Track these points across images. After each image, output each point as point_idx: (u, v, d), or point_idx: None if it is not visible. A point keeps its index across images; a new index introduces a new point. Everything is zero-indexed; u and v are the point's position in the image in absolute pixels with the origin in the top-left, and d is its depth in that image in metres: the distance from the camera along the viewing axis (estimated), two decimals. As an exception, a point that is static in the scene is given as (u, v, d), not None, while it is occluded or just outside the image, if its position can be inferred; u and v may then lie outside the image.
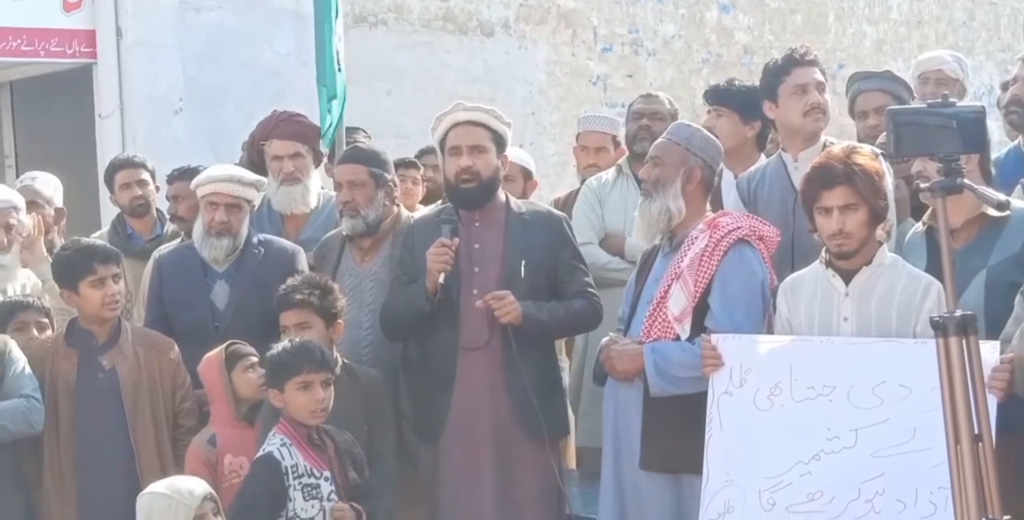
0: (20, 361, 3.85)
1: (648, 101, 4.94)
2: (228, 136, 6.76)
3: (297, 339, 3.59)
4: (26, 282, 4.42)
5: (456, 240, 3.82)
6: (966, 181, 2.32)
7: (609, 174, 4.81)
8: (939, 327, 2.24)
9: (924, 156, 2.69)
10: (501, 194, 4.01)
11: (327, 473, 3.50)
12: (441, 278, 3.78)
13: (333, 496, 3.48)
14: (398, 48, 7.83)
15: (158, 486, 3.37)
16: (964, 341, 2.22)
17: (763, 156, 4.33)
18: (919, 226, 3.63)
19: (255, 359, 3.81)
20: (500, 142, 3.94)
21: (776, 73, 3.97)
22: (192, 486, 3.32)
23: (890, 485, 3.18)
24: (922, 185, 2.39)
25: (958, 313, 2.25)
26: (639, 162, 4.49)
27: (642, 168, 3.75)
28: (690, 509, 3.49)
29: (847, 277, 3.37)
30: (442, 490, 3.91)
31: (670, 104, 4.93)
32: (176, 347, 4.08)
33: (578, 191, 5.10)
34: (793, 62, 3.94)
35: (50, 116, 8.29)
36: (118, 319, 4.05)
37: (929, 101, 2.41)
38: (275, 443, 3.47)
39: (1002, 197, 2.44)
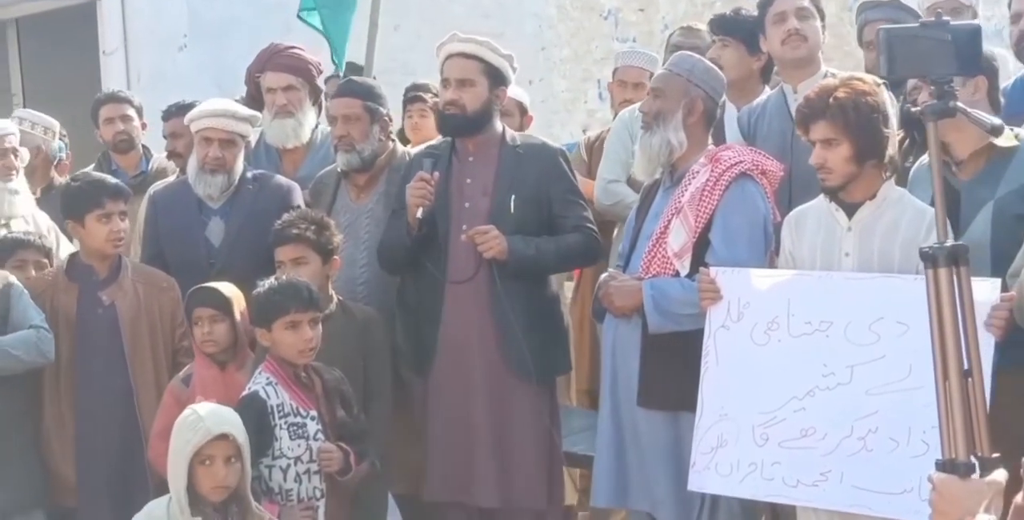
0: (23, 294, 3.84)
1: (687, 35, 4.77)
2: (233, 72, 6.64)
3: (284, 277, 3.54)
4: (39, 221, 4.39)
5: (436, 174, 3.76)
6: (959, 104, 2.23)
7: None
8: (928, 258, 2.16)
9: (916, 78, 2.58)
10: (497, 127, 3.94)
11: (313, 412, 3.47)
12: (419, 212, 3.73)
13: (320, 435, 3.46)
14: (405, -18, 7.68)
15: (205, 406, 3.29)
16: (955, 273, 2.15)
17: (768, 90, 4.22)
18: (925, 158, 3.54)
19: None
20: (495, 75, 3.87)
21: (763, 3, 3.90)
22: (217, 421, 3.19)
23: (883, 423, 3.13)
24: (912, 108, 2.30)
25: (948, 243, 2.18)
26: None
27: (643, 100, 3.67)
28: (688, 447, 3.43)
29: (851, 211, 3.29)
30: (433, 424, 3.90)
31: (708, 35, 4.80)
32: (176, 285, 4.05)
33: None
34: None
35: (55, 53, 8.24)
36: (118, 255, 4.04)
37: (922, 20, 2.31)
38: (260, 382, 3.44)
39: (996, 121, 2.34)
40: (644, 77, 4.93)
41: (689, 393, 3.38)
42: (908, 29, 2.28)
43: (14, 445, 3.84)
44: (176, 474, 3.14)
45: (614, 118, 4.97)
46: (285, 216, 3.84)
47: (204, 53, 7.29)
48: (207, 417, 3.17)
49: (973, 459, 2.11)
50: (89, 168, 5.14)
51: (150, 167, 5.05)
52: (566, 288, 4.94)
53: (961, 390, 2.12)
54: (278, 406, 3.41)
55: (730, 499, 3.47)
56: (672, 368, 3.47)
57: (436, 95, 5.15)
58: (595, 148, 4.79)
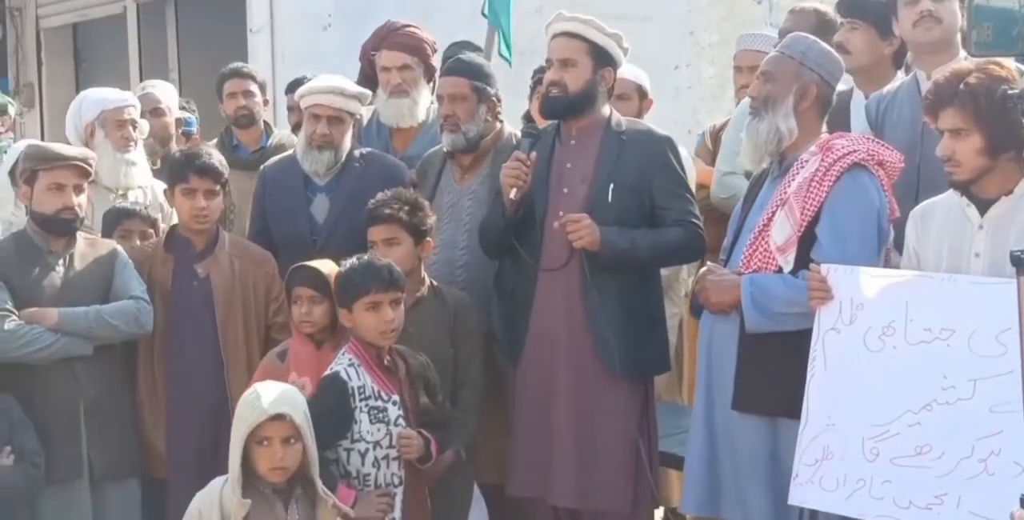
0: (128, 264, 3.89)
1: (795, 18, 4.51)
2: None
3: (366, 257, 3.45)
4: (157, 191, 4.43)
5: (533, 155, 3.63)
6: None
7: None
8: (1020, 263, 1.89)
9: (1009, 56, 2.27)
10: (604, 111, 3.77)
11: (396, 397, 3.38)
12: (513, 194, 3.61)
13: (401, 421, 3.37)
14: (549, -36, 7.53)
15: (267, 385, 3.25)
16: None
17: (901, 76, 3.90)
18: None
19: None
20: (600, 55, 3.70)
21: None
22: (274, 401, 3.12)
23: (1008, 445, 2.84)
24: (1010, 92, 2.00)
25: None
26: None
27: (752, 84, 3.42)
28: (787, 456, 3.21)
29: (983, 207, 2.99)
30: (518, 416, 3.78)
31: (816, 15, 4.50)
32: (273, 260, 4.04)
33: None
34: None
35: (208, 31, 8.44)
36: (217, 228, 4.04)
37: None
38: (343, 363, 3.37)
39: None
40: (761, 60, 4.63)
41: (789, 398, 3.16)
42: (1001, 7, 1.99)
43: (112, 414, 3.87)
44: (233, 452, 3.11)
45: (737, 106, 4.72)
46: (379, 195, 3.77)
47: (347, 33, 7.29)
48: (264, 396, 3.11)
49: None
50: (212, 143, 5.17)
51: (269, 143, 5.05)
52: (688, 283, 4.72)
53: None
54: (359, 388, 3.34)
55: (830, 516, 3.21)
56: (771, 371, 3.24)
57: None
58: (720, 137, 4.56)
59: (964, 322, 2.94)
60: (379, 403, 3.34)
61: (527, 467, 3.72)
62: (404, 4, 7.23)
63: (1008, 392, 2.84)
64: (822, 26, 4.42)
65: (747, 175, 4.09)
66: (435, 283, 3.80)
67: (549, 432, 3.68)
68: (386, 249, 3.64)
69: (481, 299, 3.89)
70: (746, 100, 4.34)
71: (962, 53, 3.54)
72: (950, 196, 3.08)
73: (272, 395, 3.13)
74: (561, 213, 3.63)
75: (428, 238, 3.74)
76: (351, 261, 3.43)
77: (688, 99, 7.69)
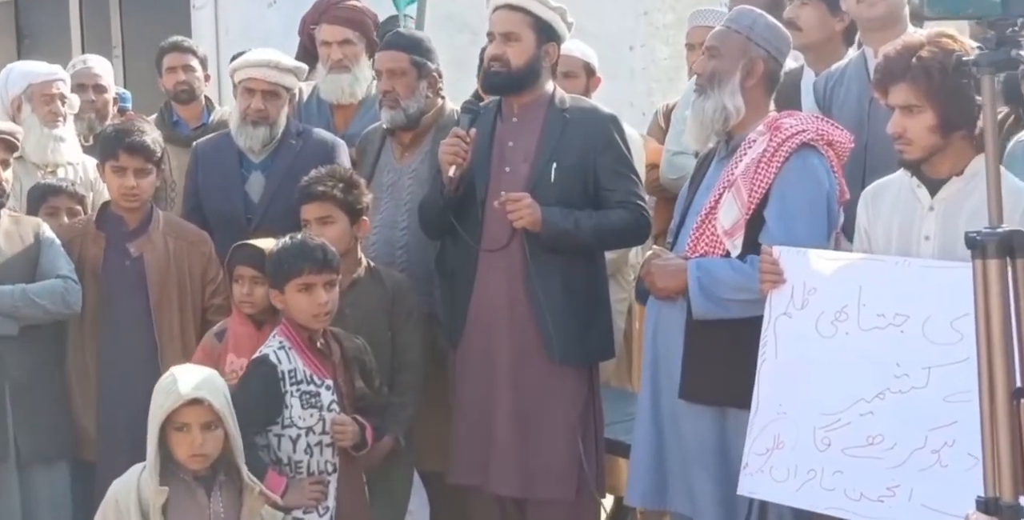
0: (55, 243, 3.77)
1: None
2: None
3: (299, 236, 3.32)
4: (88, 168, 4.28)
5: (472, 131, 3.50)
6: (1023, 53, 1.82)
7: None
8: (976, 245, 1.78)
9: (965, 19, 2.15)
10: (547, 88, 3.64)
11: (329, 381, 3.26)
12: (452, 171, 3.48)
13: (335, 406, 3.26)
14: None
15: (185, 369, 3.15)
16: (1010, 265, 1.75)
17: (852, 53, 3.80)
18: (1023, 134, 3.10)
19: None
20: (544, 29, 3.58)
21: None
22: (190, 385, 3.02)
23: (962, 436, 2.72)
24: (964, 58, 1.88)
25: (1003, 228, 1.78)
26: None
27: (696, 60, 3.30)
28: (735, 446, 3.11)
29: (934, 188, 2.88)
30: (459, 402, 3.67)
31: None
32: (210, 241, 3.91)
33: None
34: None
35: (151, 6, 8.23)
36: (151, 206, 3.91)
37: None
38: (273, 345, 3.25)
39: None
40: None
41: (737, 388, 3.05)
42: None
43: (40, 395, 3.76)
44: (150, 439, 2.99)
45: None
46: (312, 173, 3.64)
47: (293, 10, 7.08)
48: (181, 381, 2.99)
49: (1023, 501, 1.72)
50: (151, 118, 5.01)
51: (211, 119, 4.89)
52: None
53: (1010, 413, 1.73)
54: (290, 372, 3.22)
55: (781, 506, 3.12)
56: (719, 359, 3.13)
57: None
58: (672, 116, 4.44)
59: (918, 308, 2.83)
60: (311, 388, 3.23)
61: (468, 454, 3.62)
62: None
63: (963, 381, 2.73)
64: (773, 2, 4.32)
65: (697, 154, 4.03)
66: (372, 264, 3.68)
67: (490, 418, 3.58)
68: (320, 228, 3.52)
69: (422, 280, 3.78)
70: (693, 78, 4.27)
71: (911, 27, 3.44)
72: (901, 176, 2.98)
73: (189, 379, 3.01)
74: (503, 192, 3.50)
75: (364, 217, 3.62)
76: (284, 240, 3.31)
77: (643, 80, 7.58)
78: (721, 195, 3.15)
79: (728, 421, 3.16)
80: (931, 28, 3.06)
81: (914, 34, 3.01)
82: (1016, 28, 1.84)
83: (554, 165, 3.53)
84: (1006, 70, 1.86)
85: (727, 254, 3.14)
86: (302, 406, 3.20)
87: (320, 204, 3.54)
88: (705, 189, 3.25)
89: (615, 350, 3.86)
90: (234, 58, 4.73)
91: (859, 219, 3.05)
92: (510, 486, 3.56)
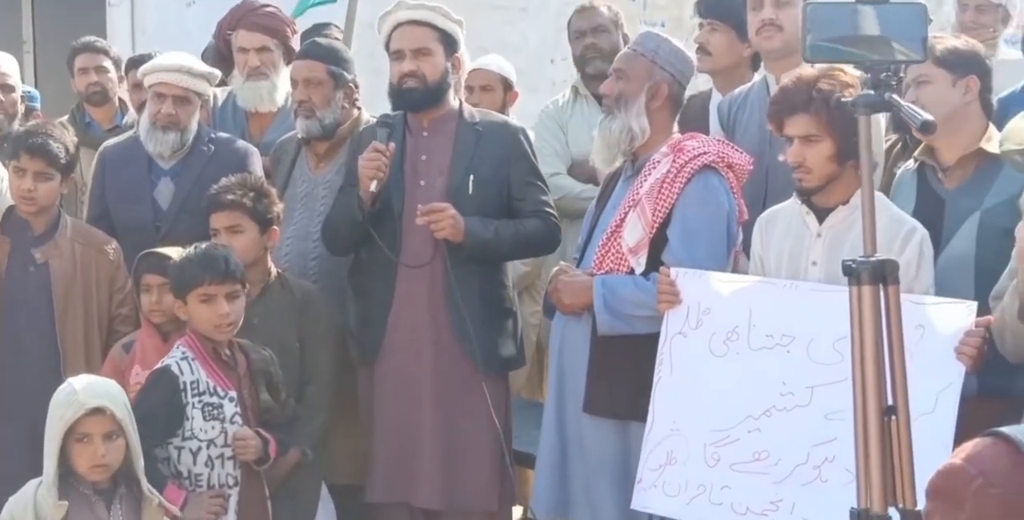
0: None
1: (584, 16, 4.50)
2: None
3: (203, 245, 3.31)
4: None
5: (391, 145, 3.52)
6: (894, 97, 1.94)
7: (564, 97, 4.45)
8: (852, 273, 1.89)
9: (845, 63, 2.28)
10: (454, 102, 3.69)
11: (232, 393, 3.24)
12: (374, 186, 3.49)
13: (238, 418, 3.23)
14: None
15: (82, 378, 3.09)
16: (883, 292, 1.86)
17: (756, 77, 3.92)
18: (910, 163, 3.24)
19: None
20: (449, 42, 3.62)
21: None
22: (91, 394, 2.97)
23: (841, 452, 2.82)
24: (842, 100, 2.00)
25: (875, 257, 1.89)
26: (594, 83, 4.17)
27: (604, 81, 3.39)
28: (636, 459, 3.18)
29: (822, 216, 3.01)
30: (378, 417, 3.67)
31: (609, 10, 4.51)
32: (119, 249, 3.84)
33: None
34: None
35: (62, 3, 8.09)
36: (58, 211, 3.82)
37: None
38: (176, 356, 3.22)
39: (928, 116, 2.04)
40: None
41: (640, 402, 3.13)
42: (838, 6, 1.98)
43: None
44: (49, 452, 2.93)
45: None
46: (222, 181, 3.62)
47: (212, 9, 7.03)
48: (81, 390, 2.94)
49: (892, 511, 1.82)
50: (62, 119, 4.94)
51: (124, 121, 4.84)
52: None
53: (880, 430, 1.84)
54: (192, 383, 3.19)
55: (678, 519, 3.20)
56: (622, 374, 3.21)
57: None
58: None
59: (804, 329, 2.95)
60: (214, 399, 3.21)
61: (390, 472, 3.62)
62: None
63: (843, 400, 2.79)
64: (615, 22, 4.44)
65: (570, 171, 4.18)
66: (282, 273, 3.67)
67: (414, 433, 3.59)
68: (229, 237, 3.50)
69: (334, 293, 3.77)
70: (548, 103, 4.43)
71: (809, 56, 3.56)
72: (792, 203, 3.10)
73: (89, 388, 2.96)
74: (419, 206, 3.53)
75: (275, 227, 3.61)
76: (188, 250, 3.29)
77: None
78: (626, 214, 3.23)
79: (630, 434, 3.23)
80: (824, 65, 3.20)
81: (807, 68, 3.13)
82: (889, 73, 1.95)
83: (471, 177, 3.56)
84: (881, 111, 1.96)
85: (632, 271, 3.22)
86: (204, 418, 3.18)
87: (229, 213, 3.52)
88: (611, 208, 3.33)
89: (526, 360, 3.92)
90: (132, 59, 4.73)
91: (753, 245, 3.16)
92: (436, 500, 3.58)
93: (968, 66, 3.08)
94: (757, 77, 3.80)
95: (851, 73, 2.94)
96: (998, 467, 1.21)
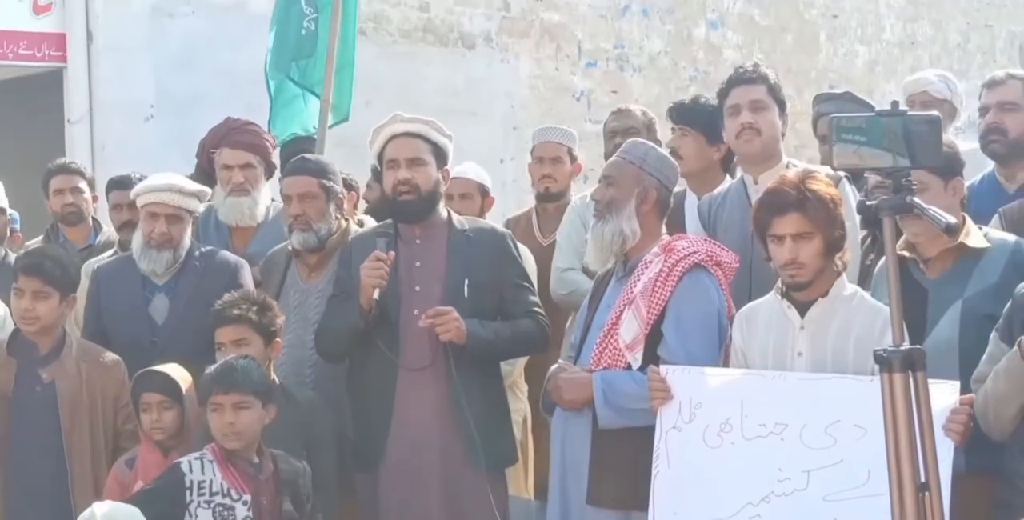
0: None
1: (620, 117, 4.76)
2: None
3: (233, 356, 3.42)
4: None
5: (392, 254, 3.66)
6: (916, 200, 2.14)
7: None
8: (883, 362, 2.06)
9: (869, 171, 2.49)
10: (443, 210, 3.85)
11: (247, 497, 3.30)
12: (376, 294, 3.61)
13: None
14: (377, 59, 7.69)
15: (101, 506, 3.16)
16: (912, 378, 2.03)
17: (729, 179, 4.15)
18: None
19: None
20: (440, 155, 3.79)
21: (721, 94, 3.84)
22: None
23: (841, 531, 2.99)
24: (867, 202, 2.20)
25: (905, 346, 2.07)
26: None
27: (595, 188, 3.58)
28: (639, 549, 3.30)
29: (803, 309, 3.19)
30: (387, 518, 3.73)
31: (643, 115, 4.75)
32: (124, 366, 3.89)
33: (531, 210, 4.96)
34: (732, 82, 3.80)
35: (21, 120, 8.17)
36: (63, 331, 3.88)
37: (878, 109, 2.21)
38: (194, 455, 3.33)
39: (952, 219, 2.24)
40: (561, 152, 4.88)
41: (641, 492, 3.25)
42: (861, 118, 2.19)
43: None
44: None
45: (536, 198, 4.91)
46: (226, 296, 3.73)
47: (171, 125, 7.22)
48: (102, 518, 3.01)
49: None
50: (37, 240, 5.02)
51: (98, 240, 4.94)
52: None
53: (916, 505, 1.99)
54: (201, 483, 3.27)
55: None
56: (624, 465, 3.33)
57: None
58: (518, 228, 4.75)
59: (795, 416, 3.10)
60: (226, 501, 3.27)
61: None
62: (229, 95, 7.22)
63: (839, 481, 3.02)
64: (648, 125, 4.69)
65: (585, 269, 4.23)
66: (284, 384, 3.75)
67: None
68: (235, 350, 3.60)
69: (332, 399, 3.84)
70: (575, 199, 4.59)
71: (784, 159, 3.80)
72: (770, 299, 3.27)
73: (108, 518, 3.04)
74: (416, 311, 3.65)
75: (278, 339, 3.71)
76: (212, 365, 3.42)
77: (513, 192, 7.91)
78: (622, 312, 3.38)
79: (632, 523, 3.33)
80: (800, 167, 3.43)
81: (787, 171, 3.36)
82: (909, 178, 2.15)
83: (466, 281, 3.69)
84: (904, 213, 2.16)
85: (629, 367, 3.36)
86: (214, 517, 3.24)
87: (235, 327, 3.62)
88: (605, 306, 3.48)
89: (518, 455, 4.04)
90: (114, 181, 4.85)
91: (734, 339, 3.31)
92: None
93: (953, 169, 3.29)
94: (734, 179, 4.01)
95: (821, 178, 3.18)
96: None
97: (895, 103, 2.23)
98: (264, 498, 3.33)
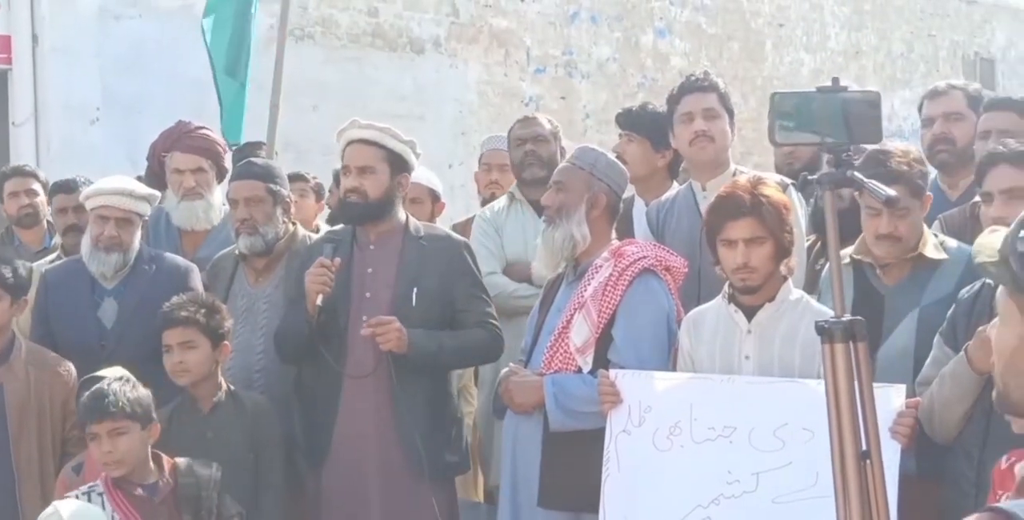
0: None
1: (527, 125, 4.69)
2: (146, 147, 6.59)
3: (96, 387, 3.34)
4: None
5: (337, 260, 3.65)
6: (856, 174, 2.18)
7: (501, 203, 4.66)
8: (825, 332, 2.09)
9: (808, 145, 2.54)
10: (400, 216, 3.84)
11: None
12: (319, 300, 3.61)
13: None
14: (325, 63, 7.68)
15: (65, 504, 3.10)
16: (852, 348, 2.07)
17: (676, 185, 4.19)
18: (843, 259, 3.51)
19: None
20: (396, 162, 3.77)
21: (671, 101, 3.88)
22: None
23: (792, 532, 3.03)
24: (809, 177, 2.24)
25: (845, 318, 2.11)
26: (530, 189, 4.38)
27: (545, 194, 3.60)
28: (590, 551, 3.32)
29: (750, 313, 3.23)
30: None
31: (550, 123, 4.76)
32: (73, 371, 3.85)
33: (476, 216, 4.98)
34: (684, 89, 3.84)
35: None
36: (12, 334, 3.84)
37: (818, 86, 2.26)
38: (82, 490, 3.26)
39: (892, 192, 2.28)
40: (509, 159, 4.88)
41: (592, 493, 3.26)
42: (800, 94, 2.24)
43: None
44: None
45: (481, 205, 4.93)
46: (174, 298, 3.71)
47: (116, 127, 7.17)
48: (66, 516, 2.96)
49: None
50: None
51: (52, 243, 4.88)
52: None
53: (858, 471, 2.03)
54: None
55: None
56: (574, 467, 3.35)
57: (316, 177, 5.14)
58: (460, 232, 4.69)
59: (744, 420, 3.13)
60: None
61: None
62: (175, 98, 7.17)
63: (788, 483, 3.06)
64: (555, 134, 4.67)
65: (506, 271, 4.32)
66: (232, 387, 3.74)
67: None
68: (182, 353, 3.59)
69: (279, 404, 3.83)
70: (484, 210, 4.62)
71: (732, 166, 3.85)
72: (718, 303, 3.30)
73: (73, 516, 2.99)
74: (364, 318, 3.64)
75: (225, 342, 3.70)
76: (86, 392, 3.34)
77: (461, 197, 7.93)
78: (572, 316, 3.41)
79: (583, 526, 3.34)
80: (748, 174, 3.48)
81: (738, 177, 3.40)
82: (849, 153, 2.20)
83: (415, 290, 3.68)
84: (844, 187, 2.20)
85: (579, 370, 3.39)
86: None
87: (183, 329, 3.60)
88: (556, 310, 3.50)
89: (470, 463, 4.04)
90: (58, 184, 4.80)
91: (682, 343, 3.34)
92: None
93: (924, 188, 3.35)
94: (681, 185, 4.05)
95: (772, 184, 3.24)
96: None
97: (835, 79, 2.27)
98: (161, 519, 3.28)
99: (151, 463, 3.34)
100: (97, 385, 3.32)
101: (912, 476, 2.94)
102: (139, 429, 3.29)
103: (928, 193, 3.37)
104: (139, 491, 3.27)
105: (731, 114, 3.85)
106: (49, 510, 3.06)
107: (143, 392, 3.35)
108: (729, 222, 3.14)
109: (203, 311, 3.64)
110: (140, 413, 3.30)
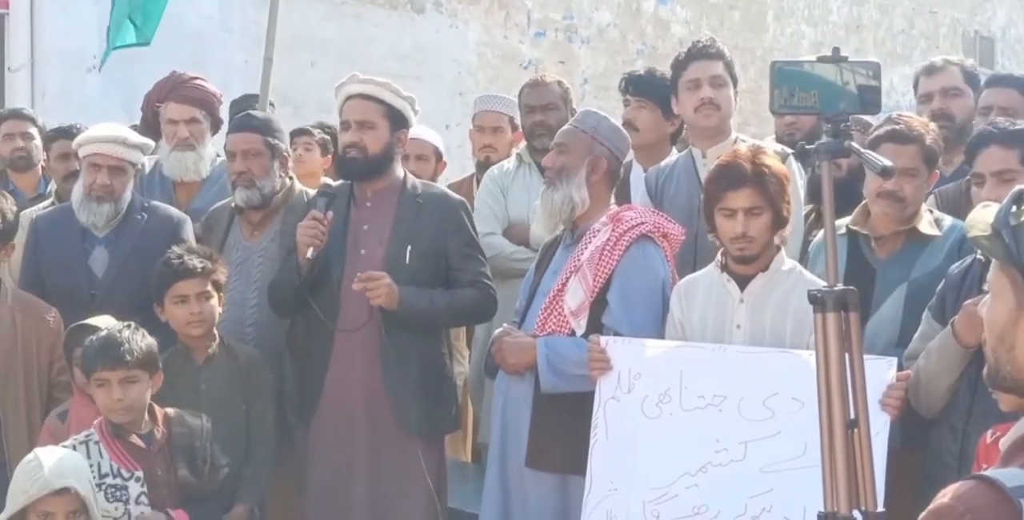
0: None
1: (536, 90, 4.61)
2: (142, 96, 6.55)
3: (105, 331, 3.32)
4: None
5: (329, 214, 3.63)
6: (853, 144, 2.18)
7: (510, 163, 4.62)
8: (817, 302, 2.10)
9: (808, 114, 2.53)
10: (399, 173, 3.81)
11: (139, 473, 3.25)
12: (310, 253, 3.60)
13: (144, 498, 3.23)
14: (325, 19, 7.62)
15: (50, 453, 3.10)
16: (844, 318, 2.08)
17: (675, 151, 4.17)
18: (842, 230, 3.50)
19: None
20: (396, 117, 3.75)
21: (676, 67, 3.85)
22: (58, 473, 2.98)
23: (778, 501, 3.04)
24: (807, 146, 2.25)
25: (838, 287, 2.11)
26: (540, 154, 4.32)
27: (547, 155, 3.58)
28: (575, 511, 3.33)
29: (742, 283, 3.23)
30: (312, 475, 3.75)
31: (560, 86, 4.69)
32: (59, 317, 3.83)
33: (472, 177, 4.94)
34: (691, 56, 3.81)
35: (-41, 65, 7.95)
36: None
37: (819, 55, 2.26)
38: (79, 438, 3.25)
39: (887, 162, 2.27)
40: (503, 121, 4.85)
41: (580, 456, 3.27)
42: (802, 64, 2.23)
43: None
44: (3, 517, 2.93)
45: (475, 166, 4.89)
46: (175, 249, 3.68)
47: (113, 75, 7.08)
48: (49, 469, 2.96)
49: (856, 514, 2.02)
50: (-17, 186, 4.92)
51: (48, 189, 4.85)
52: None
53: (845, 440, 2.04)
54: (91, 467, 3.19)
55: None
56: (563, 429, 3.36)
57: (324, 130, 5.11)
58: (459, 194, 4.71)
59: (734, 389, 3.13)
60: (117, 481, 3.22)
61: None
62: (173, 47, 7.10)
63: (777, 453, 3.07)
64: (564, 97, 4.63)
65: (506, 232, 4.31)
66: (226, 340, 3.74)
67: (345, 494, 3.66)
68: (200, 304, 3.59)
69: (271, 358, 3.83)
70: (492, 170, 4.60)
71: (733, 134, 3.83)
72: (710, 271, 3.30)
73: (56, 467, 2.97)
74: (359, 274, 3.63)
75: (221, 292, 3.69)
76: (92, 337, 3.31)
77: (458, 157, 7.88)
78: (568, 279, 3.40)
79: (570, 487, 3.37)
80: (749, 143, 3.47)
81: (738, 146, 3.39)
82: (848, 123, 2.18)
83: (409, 247, 3.67)
84: (841, 157, 2.20)
85: (573, 333, 3.38)
86: (107, 499, 3.18)
87: (200, 280, 3.59)
88: (552, 273, 3.50)
89: (460, 422, 4.04)
90: (60, 131, 4.75)
91: (672, 310, 3.33)
92: None
93: (937, 155, 3.36)
94: (681, 151, 4.03)
95: (771, 154, 3.23)
96: (983, 504, 1.40)
97: (836, 50, 2.27)
98: (158, 469, 3.28)
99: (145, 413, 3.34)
100: (106, 332, 3.31)
101: (895, 447, 2.96)
102: (147, 378, 3.29)
103: (936, 170, 3.36)
104: (136, 440, 3.27)
105: (735, 82, 3.84)
106: (29, 457, 3.05)
107: (151, 341, 3.35)
108: (730, 191, 3.13)
109: (208, 262, 3.64)
110: (150, 362, 3.30)
